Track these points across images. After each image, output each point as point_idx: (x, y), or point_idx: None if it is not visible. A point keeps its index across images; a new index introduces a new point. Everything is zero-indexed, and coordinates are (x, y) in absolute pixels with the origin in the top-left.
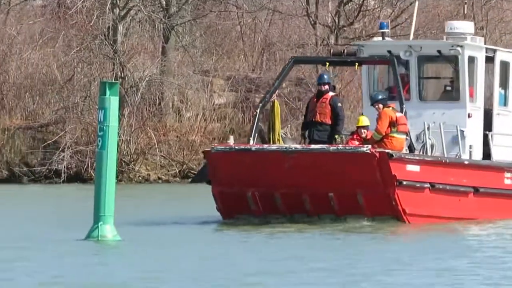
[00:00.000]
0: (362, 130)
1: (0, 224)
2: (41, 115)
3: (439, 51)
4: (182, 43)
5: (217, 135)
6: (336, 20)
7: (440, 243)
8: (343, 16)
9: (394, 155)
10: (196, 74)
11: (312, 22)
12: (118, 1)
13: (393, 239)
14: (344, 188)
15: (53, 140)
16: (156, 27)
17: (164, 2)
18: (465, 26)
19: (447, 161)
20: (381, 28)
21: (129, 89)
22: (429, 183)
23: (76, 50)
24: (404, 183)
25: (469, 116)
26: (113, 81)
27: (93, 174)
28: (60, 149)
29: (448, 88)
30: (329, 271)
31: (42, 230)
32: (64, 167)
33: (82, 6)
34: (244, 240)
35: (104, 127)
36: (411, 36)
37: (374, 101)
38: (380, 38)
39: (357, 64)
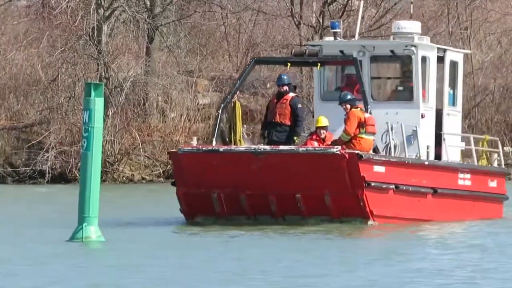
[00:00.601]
0: (321, 131)
1: None
2: (25, 115)
3: (392, 51)
4: (167, 44)
5: (201, 135)
6: (321, 20)
7: (398, 245)
8: (327, 16)
9: (363, 156)
10: (181, 74)
11: (297, 23)
12: (102, 2)
13: (352, 242)
14: (312, 189)
15: (37, 140)
16: (141, 27)
17: (149, 3)
18: (413, 26)
19: (410, 162)
20: (332, 28)
21: (113, 90)
22: (394, 184)
23: (60, 50)
24: (372, 184)
25: (422, 116)
26: (98, 82)
27: (77, 175)
28: (45, 150)
29: (400, 88)
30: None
31: (26, 231)
32: (49, 167)
33: (67, 6)
34: (225, 241)
35: (89, 128)
36: (357, 36)
37: (342, 101)
38: (331, 38)
39: (319, 64)
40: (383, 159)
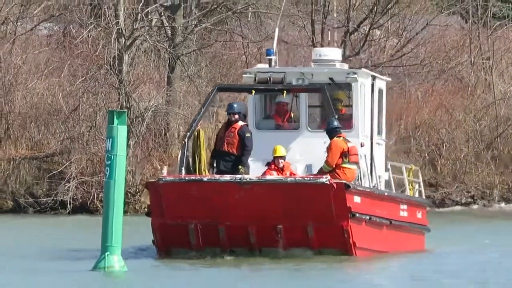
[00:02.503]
0: (280, 160)
1: (6, 256)
2: (46, 145)
3: (331, 79)
4: (188, 73)
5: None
6: (342, 50)
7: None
8: (349, 46)
9: (350, 186)
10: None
11: None
12: (123, 31)
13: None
14: (295, 219)
15: (58, 170)
16: (162, 56)
17: (170, 32)
18: (333, 53)
19: (377, 193)
20: (268, 54)
21: (134, 119)
22: (368, 215)
23: (81, 80)
24: (357, 215)
25: (361, 145)
26: (121, 110)
27: (99, 206)
28: (66, 180)
29: (335, 116)
30: None
31: (49, 261)
32: (70, 198)
33: (88, 35)
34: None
35: (112, 156)
36: (271, 64)
37: (328, 129)
38: (265, 65)
39: (284, 92)
40: (368, 190)
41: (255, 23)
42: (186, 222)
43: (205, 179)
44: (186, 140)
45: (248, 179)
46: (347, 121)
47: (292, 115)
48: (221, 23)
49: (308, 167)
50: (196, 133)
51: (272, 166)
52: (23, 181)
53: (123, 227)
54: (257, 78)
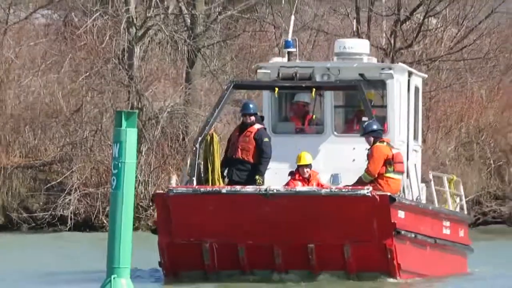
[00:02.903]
0: (305, 170)
1: (0, 279)
2: (43, 152)
3: (362, 75)
4: (210, 68)
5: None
6: (392, 42)
7: None
8: (400, 37)
9: (396, 199)
10: (227, 104)
11: None
12: (134, 20)
13: None
14: (330, 238)
15: (57, 181)
16: (179, 49)
17: (189, 21)
18: (360, 45)
19: (421, 207)
20: (286, 46)
21: (147, 122)
22: (413, 232)
23: (84, 76)
24: (402, 233)
25: None
26: (131, 110)
27: (105, 221)
28: (66, 192)
29: (365, 118)
30: None
31: (47, 285)
32: (71, 212)
33: (93, 25)
34: None
35: (120, 164)
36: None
37: (365, 133)
38: (280, 59)
39: (313, 90)
40: (414, 204)
41: (289, 10)
42: (199, 241)
43: (223, 190)
44: (197, 145)
45: (274, 191)
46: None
47: (314, 117)
48: (250, 11)
49: (334, 178)
50: (208, 138)
51: (297, 176)
52: (16, 193)
53: (132, 245)
54: (280, 74)
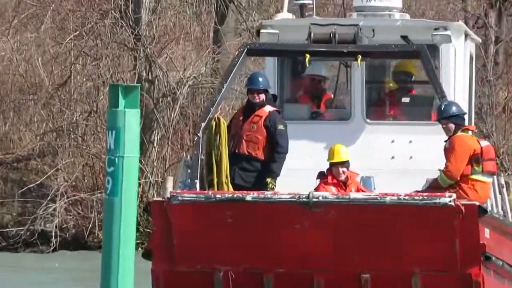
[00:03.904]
0: (341, 170)
1: None
2: (17, 142)
3: (404, 37)
4: (247, 25)
5: None
6: None
7: None
8: None
9: (487, 211)
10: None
11: None
12: None
13: None
14: (394, 265)
15: (37, 182)
16: None
17: None
18: None
19: (507, 224)
20: None
21: (161, 100)
22: (500, 260)
23: (73, 35)
24: (492, 259)
25: None
26: (131, 84)
27: (101, 237)
28: (49, 198)
29: (405, 99)
30: None
31: None
32: (56, 226)
33: None
34: None
35: (116, 159)
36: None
37: (444, 117)
38: (288, 15)
39: (359, 57)
40: (500, 219)
41: None
42: (211, 269)
43: (248, 197)
44: (200, 134)
45: (320, 198)
46: (423, 107)
47: (332, 96)
48: None
49: (366, 181)
50: (213, 123)
51: (329, 179)
52: None
53: (135, 269)
54: (312, 35)
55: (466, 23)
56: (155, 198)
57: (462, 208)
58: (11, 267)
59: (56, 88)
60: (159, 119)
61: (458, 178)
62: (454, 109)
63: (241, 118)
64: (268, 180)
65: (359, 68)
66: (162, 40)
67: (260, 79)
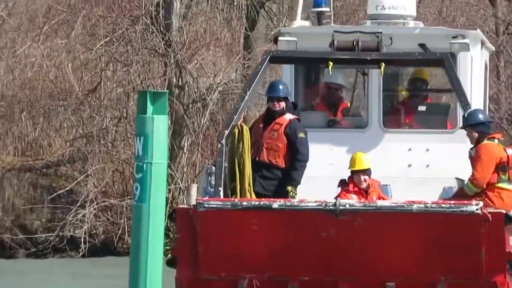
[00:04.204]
0: (362, 177)
1: None
2: (46, 148)
3: (422, 45)
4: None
5: None
6: None
7: None
8: None
9: None
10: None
11: None
12: None
13: None
14: (420, 273)
15: (67, 188)
16: (236, 3)
17: None
18: (404, 4)
19: None
20: (316, 4)
21: (191, 106)
22: None
23: (104, 42)
24: None
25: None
26: (160, 90)
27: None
28: (79, 204)
29: (421, 108)
30: None
31: None
32: (85, 233)
33: None
34: None
35: (145, 166)
36: (298, 17)
37: (469, 124)
38: (304, 23)
39: (382, 65)
40: None
41: None
42: (235, 277)
43: (275, 205)
44: (223, 141)
45: (346, 206)
46: (439, 115)
47: (350, 105)
48: None
49: (382, 189)
50: (236, 131)
51: (350, 187)
52: (9, 206)
53: (163, 277)
54: (336, 42)
55: (496, 29)
56: (180, 206)
57: (489, 216)
58: (40, 272)
59: (86, 94)
60: (189, 125)
61: (484, 187)
62: (480, 116)
63: (261, 125)
64: (289, 188)
65: (376, 76)
66: (193, 46)
67: (281, 86)
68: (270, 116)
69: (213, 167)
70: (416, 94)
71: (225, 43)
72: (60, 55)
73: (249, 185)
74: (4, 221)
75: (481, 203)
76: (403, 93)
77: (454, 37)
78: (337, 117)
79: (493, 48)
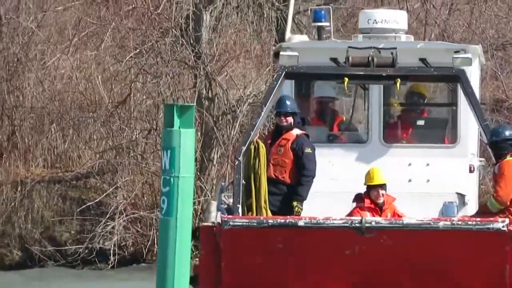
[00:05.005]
0: (380, 192)
1: None
2: (76, 160)
3: (423, 60)
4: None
5: None
6: None
7: None
8: None
9: None
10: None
11: None
12: None
13: None
14: None
15: (96, 200)
16: (266, 16)
17: None
18: (396, 18)
19: None
20: (316, 19)
21: (220, 118)
22: None
23: (133, 54)
24: None
25: (471, 170)
26: (187, 103)
27: None
28: (108, 216)
29: (420, 122)
30: None
31: None
32: (115, 244)
33: None
34: None
35: (172, 179)
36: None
37: (495, 142)
38: (302, 37)
39: (398, 81)
40: None
41: None
42: None
43: (301, 223)
44: (240, 158)
45: (373, 223)
46: (438, 130)
47: (344, 119)
48: None
49: None
50: (252, 147)
51: (367, 203)
52: (38, 218)
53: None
54: (350, 59)
55: None
56: (205, 223)
57: None
58: (70, 282)
59: (115, 106)
60: (219, 137)
61: (508, 203)
62: (506, 133)
63: (269, 141)
64: (295, 203)
65: (377, 90)
66: (223, 58)
67: (288, 102)
68: (277, 132)
69: (224, 184)
70: (414, 108)
71: (255, 55)
72: (90, 67)
73: (265, 202)
74: (34, 233)
75: (507, 220)
76: (402, 107)
77: (456, 52)
78: (334, 132)
79: (484, 61)
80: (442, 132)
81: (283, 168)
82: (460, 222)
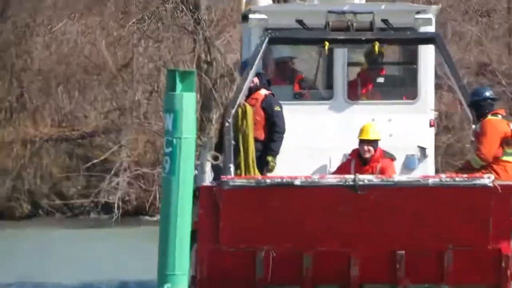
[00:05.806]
0: (366, 147)
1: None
2: (82, 120)
3: (385, 21)
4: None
5: None
6: None
7: None
8: None
9: None
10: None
11: None
12: None
13: None
14: (427, 242)
15: (101, 158)
16: None
17: None
18: None
19: None
20: None
21: (219, 80)
22: None
23: (136, 20)
24: None
25: (431, 124)
26: (188, 69)
27: None
28: (113, 173)
29: (380, 80)
30: None
31: None
32: (119, 199)
33: None
34: None
35: (174, 141)
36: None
37: (476, 101)
38: (268, 1)
39: (376, 44)
40: None
41: None
42: (253, 248)
43: (297, 182)
44: (230, 120)
45: (365, 181)
46: (398, 87)
47: (304, 77)
48: None
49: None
50: (240, 110)
51: (352, 155)
52: (46, 174)
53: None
54: (330, 24)
55: (508, 7)
56: (205, 183)
57: (499, 187)
58: (73, 236)
59: (119, 69)
60: (217, 98)
61: (491, 160)
62: (486, 93)
63: None
64: (269, 158)
65: (341, 50)
66: (221, 23)
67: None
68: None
69: (205, 139)
70: (375, 67)
71: None
72: (95, 32)
73: (252, 161)
74: (42, 188)
75: (493, 176)
76: (364, 66)
77: (417, 13)
78: (299, 90)
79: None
80: (401, 89)
81: (255, 125)
82: (448, 179)
